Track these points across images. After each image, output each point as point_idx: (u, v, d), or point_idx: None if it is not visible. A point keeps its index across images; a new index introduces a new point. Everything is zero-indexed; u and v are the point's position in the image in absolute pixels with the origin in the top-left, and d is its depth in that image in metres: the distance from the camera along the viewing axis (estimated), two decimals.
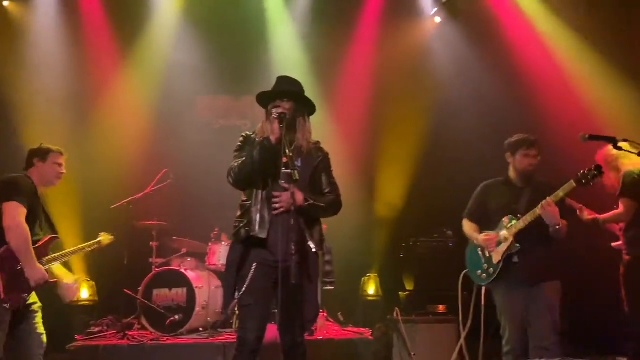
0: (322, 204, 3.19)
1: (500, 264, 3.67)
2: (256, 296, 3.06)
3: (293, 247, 2.90)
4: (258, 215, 3.08)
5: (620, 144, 2.98)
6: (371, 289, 6.46)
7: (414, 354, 5.10)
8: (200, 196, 6.26)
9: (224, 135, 6.91)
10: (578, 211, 4.12)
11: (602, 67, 6.15)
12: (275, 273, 2.97)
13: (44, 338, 3.56)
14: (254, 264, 3.09)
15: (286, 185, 3.03)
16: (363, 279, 6.54)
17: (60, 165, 3.79)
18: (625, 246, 4.15)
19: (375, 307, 6.33)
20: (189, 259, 5.87)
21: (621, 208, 4.05)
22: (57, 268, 3.72)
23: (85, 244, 4.13)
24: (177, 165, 6.09)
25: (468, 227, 4.00)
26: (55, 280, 3.66)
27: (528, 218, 3.58)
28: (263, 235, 3.06)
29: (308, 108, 3.29)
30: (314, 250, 3.12)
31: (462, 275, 4.21)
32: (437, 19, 6.92)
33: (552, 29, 6.46)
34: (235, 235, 3.18)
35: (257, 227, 3.07)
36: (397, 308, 5.37)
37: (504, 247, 3.66)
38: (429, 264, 5.91)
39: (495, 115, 6.48)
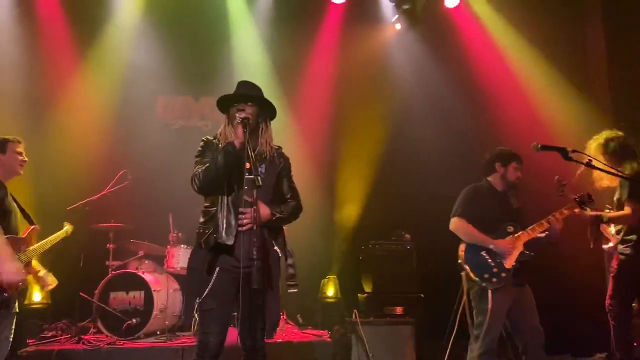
0: (286, 215, 3.22)
1: (512, 269, 3.89)
2: (219, 300, 3.05)
3: (255, 253, 2.92)
4: (224, 222, 3.07)
5: (570, 155, 3.11)
6: (330, 290, 6.52)
7: (372, 355, 5.18)
8: (159, 198, 6.17)
9: (183, 135, 6.86)
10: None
11: (555, 78, 6.41)
12: (238, 278, 2.98)
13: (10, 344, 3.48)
14: (217, 269, 3.08)
15: (250, 199, 3.02)
16: (322, 281, 6.58)
17: (20, 153, 3.79)
18: (624, 247, 4.27)
19: (334, 309, 6.38)
20: (146, 262, 5.79)
21: (628, 210, 4.15)
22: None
23: (57, 234, 4.20)
24: (136, 166, 6.00)
25: (466, 227, 4.04)
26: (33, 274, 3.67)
27: (537, 229, 3.91)
28: (230, 242, 3.05)
29: (269, 113, 3.31)
30: (279, 255, 3.15)
31: (463, 275, 4.16)
32: (398, 26, 7.01)
33: (509, 40, 6.69)
34: (201, 241, 3.14)
35: (224, 234, 3.05)
36: (355, 310, 5.44)
37: (515, 253, 3.90)
38: (387, 266, 6.01)
39: (452, 123, 6.67)
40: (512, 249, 3.92)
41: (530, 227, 3.93)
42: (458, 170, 6.67)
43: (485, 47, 6.73)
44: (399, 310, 5.64)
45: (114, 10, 6.61)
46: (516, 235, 3.95)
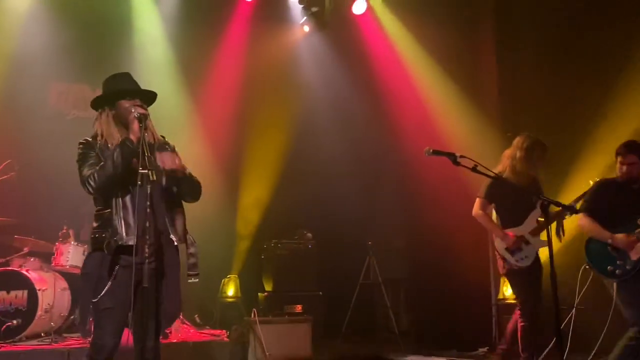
0: (194, 178, 3.14)
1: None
2: (116, 299, 2.93)
3: (147, 249, 2.84)
4: (123, 223, 2.94)
5: (458, 160, 3.30)
6: (230, 290, 6.46)
7: (269, 354, 5.20)
8: (48, 191, 5.81)
9: (77, 127, 6.46)
10: None
11: (450, 87, 6.78)
12: (137, 274, 2.88)
13: None
14: (117, 267, 2.96)
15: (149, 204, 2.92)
16: (223, 280, 6.51)
17: None
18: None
19: (233, 308, 6.34)
20: (32, 259, 5.41)
21: None
22: None
23: None
24: (23, 156, 5.59)
25: (590, 224, 4.03)
26: None
27: None
28: (132, 242, 2.91)
29: (151, 102, 3.25)
30: (175, 243, 3.06)
31: (581, 270, 4.23)
32: (306, 28, 7.10)
33: (410, 50, 6.98)
34: (103, 247, 2.96)
35: (124, 235, 2.93)
36: (254, 309, 5.44)
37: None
38: (288, 265, 6.07)
39: (354, 127, 6.87)
40: (632, 243, 3.92)
41: None
42: (359, 173, 6.90)
43: (387, 55, 6.98)
44: (298, 308, 5.71)
45: None
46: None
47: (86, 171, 2.96)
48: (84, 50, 6.39)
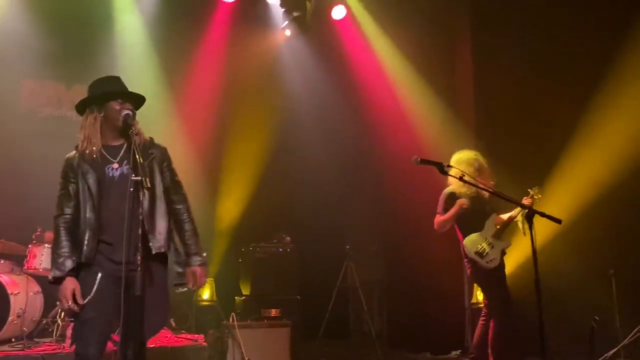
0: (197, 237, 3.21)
1: None
2: (99, 309, 2.87)
3: (133, 258, 2.81)
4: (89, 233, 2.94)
5: (445, 169, 3.37)
6: (206, 294, 6.40)
7: (248, 359, 5.17)
8: (20, 191, 5.66)
9: (50, 125, 6.32)
10: None
11: (428, 95, 6.88)
12: (119, 283, 2.83)
13: None
14: (99, 275, 2.91)
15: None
16: None
17: None
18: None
19: (209, 312, 6.28)
20: (2, 262, 5.25)
21: None
22: None
23: None
24: None
25: None
26: None
27: None
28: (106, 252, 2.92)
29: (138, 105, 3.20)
30: (157, 251, 3.02)
31: None
32: (288, 32, 7.09)
33: (389, 56, 7.05)
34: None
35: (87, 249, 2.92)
36: (233, 313, 5.40)
37: None
38: (266, 268, 6.05)
39: (336, 130, 6.89)
40: None
41: None
42: (339, 177, 6.94)
43: (367, 60, 7.03)
44: (274, 312, 5.69)
45: None
46: None
47: (55, 212, 2.98)
48: (59, 47, 6.23)
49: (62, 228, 2.97)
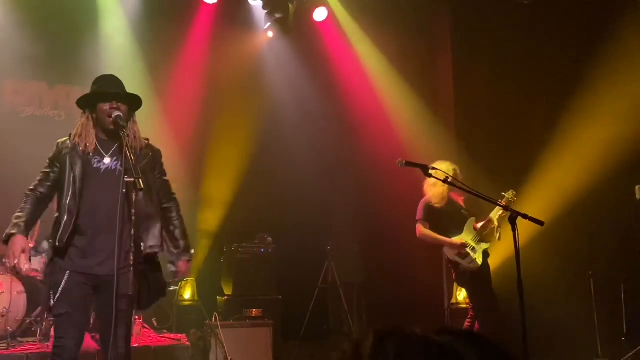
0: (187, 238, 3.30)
1: None
2: (71, 304, 2.95)
3: (125, 257, 2.88)
4: (63, 226, 2.99)
5: (430, 172, 3.48)
6: (187, 293, 6.40)
7: (231, 358, 5.21)
8: (3, 190, 5.59)
9: (32, 125, 6.24)
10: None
11: (410, 97, 7.01)
12: (90, 283, 2.93)
13: None
14: (67, 272, 2.98)
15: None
16: (180, 283, 6.44)
17: None
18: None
19: (190, 312, 6.29)
20: None
21: None
22: None
23: None
24: None
25: None
26: None
27: None
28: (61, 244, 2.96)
29: (137, 106, 3.26)
30: (150, 251, 3.08)
31: None
32: (270, 34, 7.14)
33: (371, 58, 7.15)
34: (56, 252, 3.02)
35: (64, 239, 2.97)
36: (215, 313, 5.43)
37: None
38: (248, 269, 6.08)
39: (318, 132, 6.96)
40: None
41: None
42: (322, 178, 7.00)
43: (349, 61, 7.12)
44: (255, 312, 5.74)
45: None
46: None
47: (31, 186, 3.08)
48: (41, 47, 6.17)
49: (30, 198, 3.07)
